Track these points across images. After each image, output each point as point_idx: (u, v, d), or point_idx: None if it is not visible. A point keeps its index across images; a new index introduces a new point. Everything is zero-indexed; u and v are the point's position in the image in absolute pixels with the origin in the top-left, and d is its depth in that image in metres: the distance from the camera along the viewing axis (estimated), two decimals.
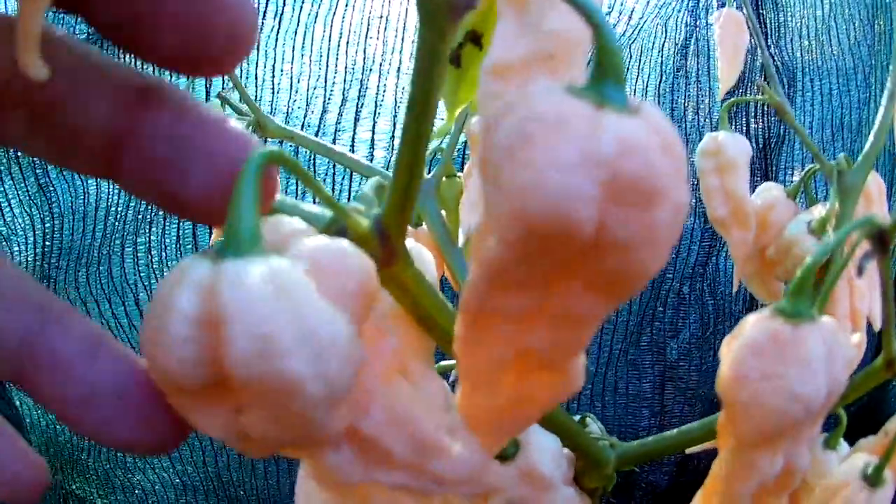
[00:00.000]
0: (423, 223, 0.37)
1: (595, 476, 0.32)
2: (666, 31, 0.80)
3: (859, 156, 0.44)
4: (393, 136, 0.74)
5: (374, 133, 0.74)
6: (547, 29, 0.17)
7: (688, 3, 0.80)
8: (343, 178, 0.73)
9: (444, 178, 0.41)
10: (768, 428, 0.20)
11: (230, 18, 0.16)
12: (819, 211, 0.45)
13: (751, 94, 0.74)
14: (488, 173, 0.13)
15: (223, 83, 0.66)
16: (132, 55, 0.17)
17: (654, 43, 0.80)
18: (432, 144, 0.73)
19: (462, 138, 0.38)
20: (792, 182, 0.81)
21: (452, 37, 0.13)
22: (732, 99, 0.56)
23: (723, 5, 0.81)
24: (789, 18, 0.81)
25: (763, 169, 0.78)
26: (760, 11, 0.79)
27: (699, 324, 0.79)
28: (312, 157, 0.72)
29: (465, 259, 0.35)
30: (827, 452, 0.36)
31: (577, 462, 0.31)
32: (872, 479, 0.30)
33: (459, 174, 0.43)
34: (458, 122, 0.33)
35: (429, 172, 0.37)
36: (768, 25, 0.79)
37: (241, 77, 0.71)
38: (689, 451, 0.33)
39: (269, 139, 0.50)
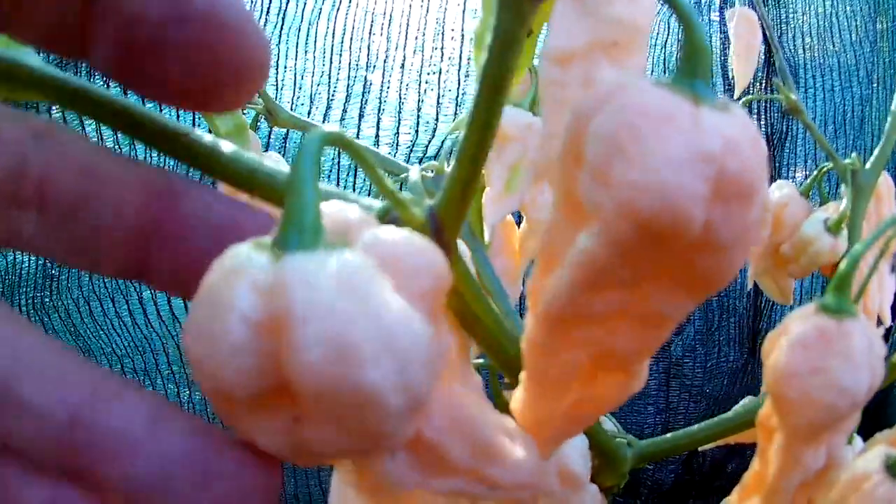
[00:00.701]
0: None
1: (611, 474, 0.31)
2: (669, 27, 0.80)
3: (864, 153, 0.44)
4: (397, 133, 0.74)
5: (378, 130, 0.74)
6: (611, 16, 0.17)
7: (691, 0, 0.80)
8: (348, 175, 0.73)
9: None
10: (818, 421, 0.20)
11: (241, 54, 0.15)
12: (834, 209, 0.45)
13: (755, 91, 0.74)
14: (587, 169, 0.12)
15: None
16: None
17: (657, 39, 0.80)
18: (446, 139, 0.73)
19: None
20: (794, 179, 0.81)
21: (531, 20, 0.13)
22: (747, 97, 0.56)
23: (725, 2, 0.81)
24: (791, 16, 0.81)
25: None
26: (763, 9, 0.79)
27: (703, 321, 0.79)
28: None
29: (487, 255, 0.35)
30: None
31: (593, 460, 0.31)
32: (895, 470, 0.30)
33: None
34: None
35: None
36: (771, 23, 0.80)
37: None
38: (701, 448, 0.34)
39: (278, 128, 0.49)
